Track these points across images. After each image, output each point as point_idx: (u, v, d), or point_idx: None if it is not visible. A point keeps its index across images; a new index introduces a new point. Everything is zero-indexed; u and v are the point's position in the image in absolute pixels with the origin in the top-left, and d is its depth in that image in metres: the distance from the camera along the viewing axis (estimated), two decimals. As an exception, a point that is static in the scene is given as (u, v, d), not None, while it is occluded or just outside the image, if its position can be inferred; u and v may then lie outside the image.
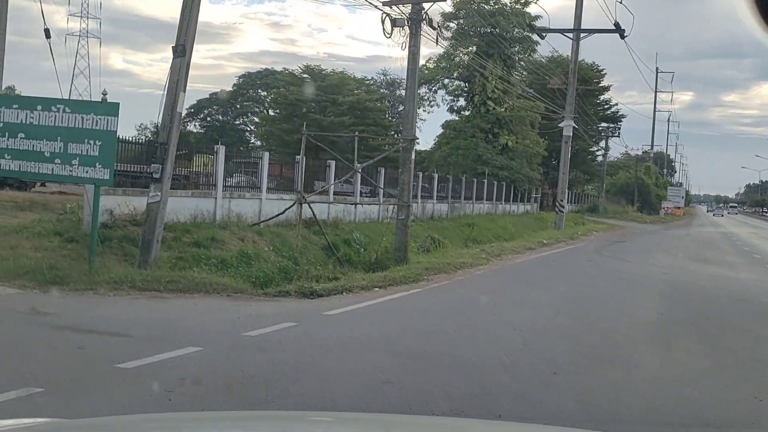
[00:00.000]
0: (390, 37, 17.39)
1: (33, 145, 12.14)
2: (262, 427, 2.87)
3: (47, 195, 25.91)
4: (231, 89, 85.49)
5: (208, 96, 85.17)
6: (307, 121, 67.96)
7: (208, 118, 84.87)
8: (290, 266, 15.85)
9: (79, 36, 76.60)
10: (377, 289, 13.12)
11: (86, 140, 11.93)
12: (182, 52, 12.87)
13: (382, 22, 17.27)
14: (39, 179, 12.53)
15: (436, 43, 24.24)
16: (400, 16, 17.58)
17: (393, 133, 66.26)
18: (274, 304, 11.04)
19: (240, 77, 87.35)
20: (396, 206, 19.14)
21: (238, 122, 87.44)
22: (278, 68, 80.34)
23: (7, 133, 12.24)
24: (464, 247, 24.95)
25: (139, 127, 70.07)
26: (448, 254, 20.43)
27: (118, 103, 12.08)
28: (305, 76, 73.31)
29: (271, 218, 19.18)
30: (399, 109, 77.68)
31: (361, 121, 61.13)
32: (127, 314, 9.48)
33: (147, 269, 12.44)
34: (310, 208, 18.83)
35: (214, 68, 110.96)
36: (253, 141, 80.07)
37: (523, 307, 12.22)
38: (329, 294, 12.11)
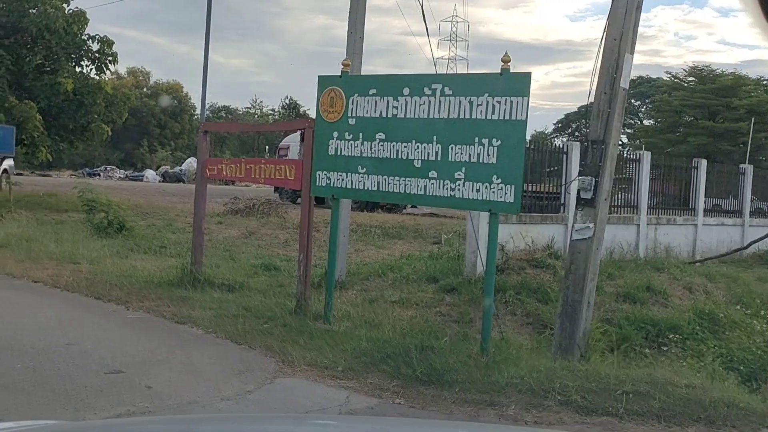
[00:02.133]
0: None
1: (397, 151, 7.77)
2: (260, 427, 2.66)
3: (418, 218, 22.66)
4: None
5: (576, 109, 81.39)
6: (695, 129, 59.32)
7: (576, 133, 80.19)
8: (778, 337, 9.71)
9: (448, 61, 76.94)
10: None
11: (476, 139, 7.22)
12: (629, -14, 7.61)
13: None
14: (405, 202, 8.04)
15: None
16: None
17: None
18: None
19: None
20: None
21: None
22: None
23: (361, 134, 8.04)
24: None
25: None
26: None
27: (529, 74, 7.16)
28: (690, 79, 64.67)
29: (730, 252, 13.07)
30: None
31: (763, 127, 51.29)
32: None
33: (575, 354, 7.35)
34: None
35: (575, 86, 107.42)
36: (626, 154, 73.22)
37: None
38: None
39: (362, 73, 10.91)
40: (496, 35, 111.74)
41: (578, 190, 7.73)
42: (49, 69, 21.16)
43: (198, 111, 73.71)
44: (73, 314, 7.90)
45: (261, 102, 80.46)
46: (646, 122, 76.05)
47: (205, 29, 28.14)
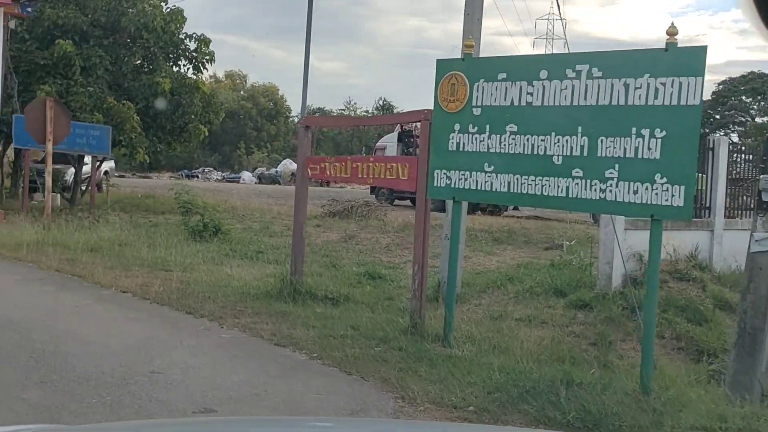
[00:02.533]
0: None
1: (532, 146, 6.55)
2: (260, 428, 2.67)
3: (522, 221, 21.22)
4: (708, 99, 76.39)
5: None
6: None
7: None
8: None
9: (544, 59, 74.59)
10: None
11: (634, 129, 5.93)
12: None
13: None
14: (542, 206, 6.81)
15: None
16: None
17: None
18: None
19: (719, 84, 77.42)
20: None
21: (718, 134, 77.09)
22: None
23: (488, 126, 6.86)
24: None
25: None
26: None
27: (705, 47, 5.81)
28: (812, 72, 60.59)
29: None
30: None
31: None
32: None
33: (755, 393, 5.96)
34: None
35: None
36: (734, 156, 69.33)
37: None
38: None
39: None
40: (591, 33, 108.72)
41: (759, 192, 6.33)
42: (147, 69, 20.85)
43: (292, 113, 74.10)
44: (160, 333, 7.02)
45: (355, 104, 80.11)
46: (758, 120, 71.83)
47: (305, 33, 27.55)
